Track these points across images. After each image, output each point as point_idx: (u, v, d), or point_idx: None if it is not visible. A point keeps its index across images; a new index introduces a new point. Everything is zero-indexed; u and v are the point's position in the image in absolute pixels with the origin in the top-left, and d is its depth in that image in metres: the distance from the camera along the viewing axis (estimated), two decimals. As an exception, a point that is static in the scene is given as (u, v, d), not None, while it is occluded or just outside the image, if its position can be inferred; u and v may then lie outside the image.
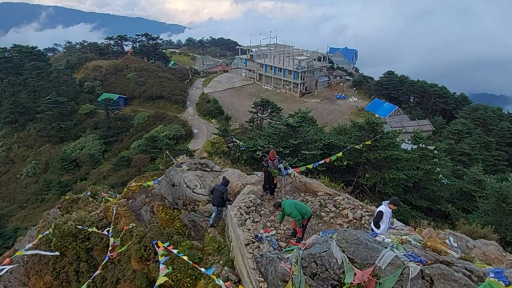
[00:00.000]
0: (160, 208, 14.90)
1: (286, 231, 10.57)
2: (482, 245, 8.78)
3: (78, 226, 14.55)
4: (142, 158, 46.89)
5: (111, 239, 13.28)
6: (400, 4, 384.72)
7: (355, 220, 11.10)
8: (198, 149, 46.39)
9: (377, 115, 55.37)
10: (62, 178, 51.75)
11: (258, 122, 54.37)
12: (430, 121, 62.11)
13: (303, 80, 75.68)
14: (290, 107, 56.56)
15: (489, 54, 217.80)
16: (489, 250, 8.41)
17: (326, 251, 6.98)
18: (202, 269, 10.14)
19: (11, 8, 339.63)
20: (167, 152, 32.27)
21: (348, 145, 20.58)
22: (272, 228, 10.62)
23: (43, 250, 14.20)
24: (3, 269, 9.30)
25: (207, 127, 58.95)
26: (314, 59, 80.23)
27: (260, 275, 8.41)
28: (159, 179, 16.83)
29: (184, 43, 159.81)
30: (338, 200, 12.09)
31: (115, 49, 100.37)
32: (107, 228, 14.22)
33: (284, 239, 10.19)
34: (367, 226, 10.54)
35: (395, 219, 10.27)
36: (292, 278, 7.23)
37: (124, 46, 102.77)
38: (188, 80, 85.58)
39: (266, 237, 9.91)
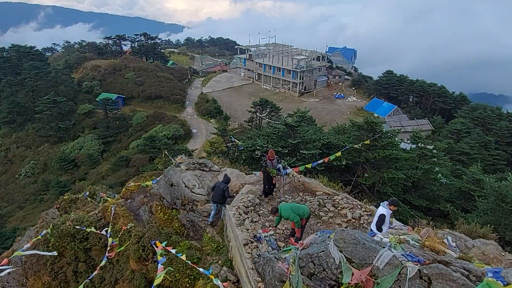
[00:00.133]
0: (159, 208, 14.87)
1: (285, 230, 10.56)
2: (481, 244, 8.77)
3: (76, 226, 14.52)
4: (140, 158, 46.86)
5: (110, 239, 13.25)
6: (400, 4, 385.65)
7: (354, 220, 11.09)
8: (197, 149, 46.32)
9: (376, 115, 55.42)
10: (60, 178, 51.70)
11: (257, 121, 54.39)
12: (429, 120, 62.20)
13: (302, 79, 75.64)
14: (289, 107, 56.64)
15: (488, 54, 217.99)
16: (488, 249, 8.39)
17: (323, 251, 6.95)
18: (201, 269, 10.13)
19: (10, 8, 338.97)
20: (166, 152, 32.18)
21: (347, 144, 20.55)
22: (270, 228, 10.60)
23: (41, 250, 14.19)
24: (3, 270, 9.27)
25: (206, 127, 58.90)
26: (313, 59, 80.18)
27: (258, 275, 8.39)
28: (158, 179, 16.83)
29: (182, 42, 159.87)
30: (337, 200, 12.08)
31: (113, 49, 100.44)
32: (106, 228, 14.21)
33: (282, 238, 10.18)
34: (366, 226, 10.53)
35: (393, 218, 10.25)
36: (289, 278, 7.20)
37: (122, 45, 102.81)
38: (187, 80, 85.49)
39: (265, 237, 9.89)
